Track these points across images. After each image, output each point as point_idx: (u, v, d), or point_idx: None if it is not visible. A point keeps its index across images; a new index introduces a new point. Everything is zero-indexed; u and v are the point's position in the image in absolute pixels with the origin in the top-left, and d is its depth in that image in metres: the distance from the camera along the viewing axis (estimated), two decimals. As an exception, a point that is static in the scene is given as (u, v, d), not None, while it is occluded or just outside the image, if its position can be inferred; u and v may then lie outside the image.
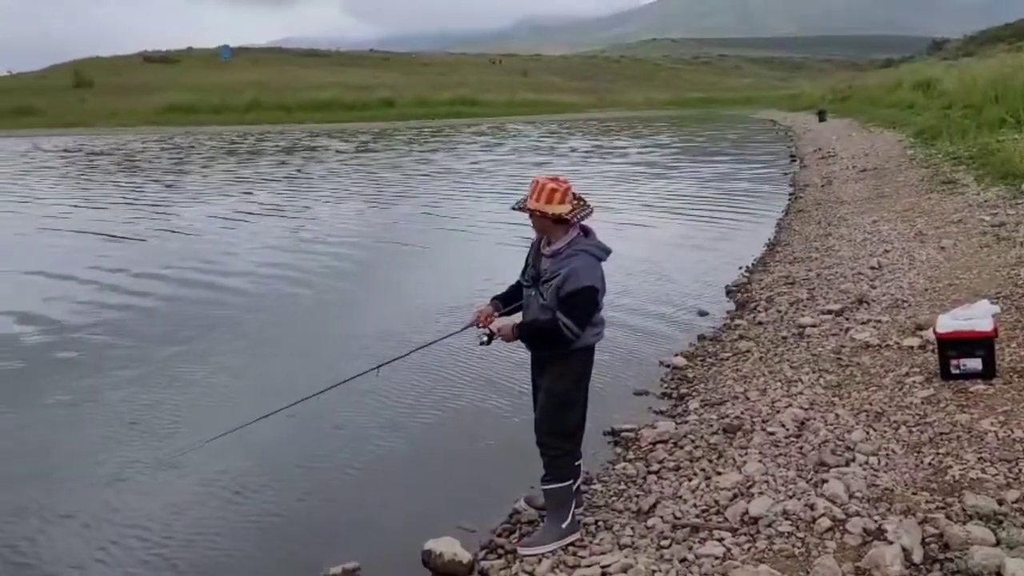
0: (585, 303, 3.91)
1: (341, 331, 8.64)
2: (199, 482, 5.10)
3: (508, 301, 4.31)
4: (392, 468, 5.33)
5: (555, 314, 3.91)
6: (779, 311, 7.93)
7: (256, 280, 11.10)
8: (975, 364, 5.04)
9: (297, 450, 5.56)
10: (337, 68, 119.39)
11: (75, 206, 19.97)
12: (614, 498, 4.52)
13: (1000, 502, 3.55)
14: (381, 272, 12.03)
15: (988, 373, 5.02)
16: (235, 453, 5.26)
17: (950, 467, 3.99)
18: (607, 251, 4.05)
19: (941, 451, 4.20)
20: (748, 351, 6.88)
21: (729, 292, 9.37)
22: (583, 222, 4.01)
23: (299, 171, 28.95)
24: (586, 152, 34.65)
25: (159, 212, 18.54)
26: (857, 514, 3.67)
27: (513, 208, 4.09)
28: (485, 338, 4.20)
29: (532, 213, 3.95)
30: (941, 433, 4.41)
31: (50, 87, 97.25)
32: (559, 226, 3.95)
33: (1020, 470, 3.85)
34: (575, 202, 3.93)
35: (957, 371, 5.09)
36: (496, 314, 4.27)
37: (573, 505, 4.17)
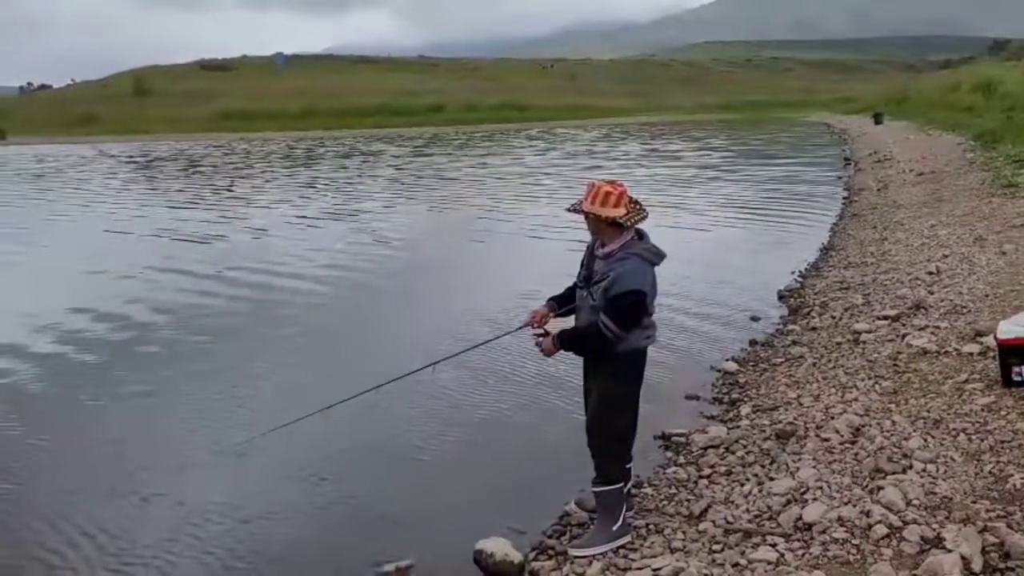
0: (630, 306, 3.91)
1: (399, 329, 8.90)
2: (262, 472, 5.31)
3: (564, 302, 4.32)
4: (445, 467, 5.40)
5: (598, 317, 3.92)
6: (833, 316, 7.82)
7: (322, 280, 11.54)
8: (1038, 371, 4.92)
9: (355, 445, 5.69)
10: (387, 74, 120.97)
11: (154, 208, 21.10)
12: (665, 502, 4.51)
13: (1064, 512, 3.48)
14: (441, 272, 12.35)
15: (1052, 381, 4.89)
16: (298, 445, 5.41)
17: (1011, 476, 3.90)
18: (660, 255, 4.04)
19: (1002, 459, 4.11)
20: (801, 356, 6.80)
21: (782, 297, 9.26)
22: (638, 226, 4.02)
23: (360, 175, 29.73)
24: (640, 155, 34.72)
25: (235, 215, 19.26)
26: (914, 522, 3.61)
27: (568, 210, 4.12)
28: (540, 339, 4.24)
29: (587, 215, 3.97)
30: (1002, 441, 4.32)
31: (111, 95, 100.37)
32: (613, 229, 3.97)
33: (1085, 480, 3.75)
34: (630, 206, 3.93)
35: (1019, 378, 4.96)
36: (551, 315, 4.30)
37: (624, 508, 4.17)
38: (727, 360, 7.10)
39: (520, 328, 4.46)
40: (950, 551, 3.25)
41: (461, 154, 39.68)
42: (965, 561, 3.19)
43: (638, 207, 3.97)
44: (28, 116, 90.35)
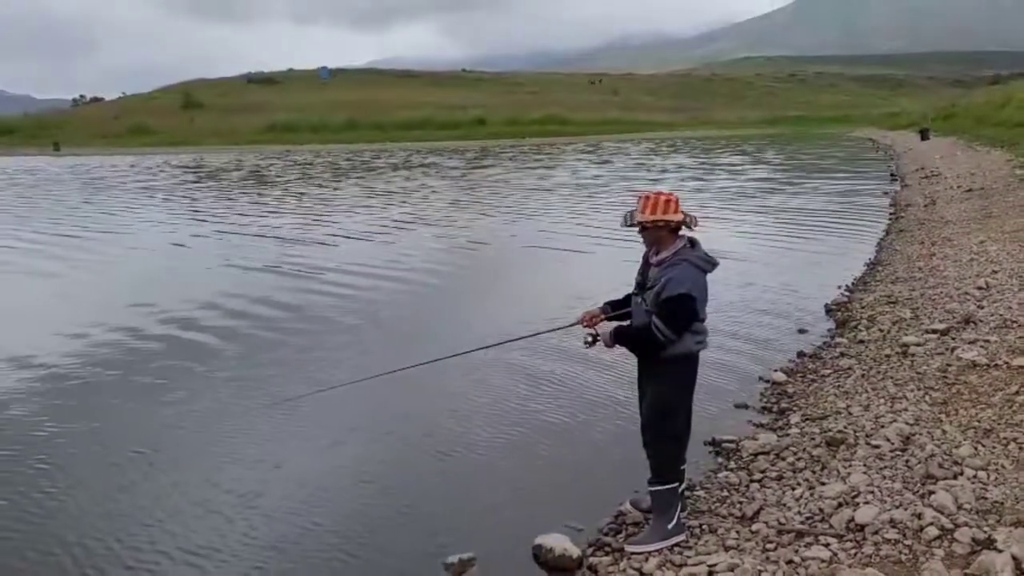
0: (680, 309, 4.07)
1: (463, 318, 9.54)
2: (328, 463, 5.56)
3: (617, 307, 4.51)
4: (502, 463, 5.61)
5: (651, 318, 4.10)
6: (881, 330, 7.88)
7: (404, 279, 12.45)
8: (1089, 384, 4.98)
9: (413, 439, 5.93)
10: (430, 88, 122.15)
11: (240, 214, 22.17)
12: (717, 504, 4.65)
13: (1114, 517, 3.56)
14: (508, 275, 13.15)
15: (1103, 394, 4.95)
16: (359, 446, 5.63)
17: (1062, 483, 4.00)
18: (713, 263, 4.22)
19: (1052, 468, 4.20)
20: (850, 368, 6.89)
21: (829, 311, 9.32)
22: (689, 234, 4.20)
23: (423, 185, 30.68)
24: (691, 169, 35.10)
25: (319, 221, 20.21)
26: (966, 524, 3.73)
27: (625, 225, 4.28)
28: (590, 339, 4.43)
29: (651, 224, 4.13)
30: (1053, 451, 4.40)
31: (160, 108, 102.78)
32: (671, 236, 4.15)
33: None
34: (683, 213, 4.13)
35: (1070, 391, 5.03)
36: (602, 316, 4.49)
37: (678, 508, 4.33)
38: (775, 371, 7.20)
39: (571, 325, 4.65)
40: (1001, 551, 3.36)
41: (515, 167, 40.38)
42: (1016, 561, 3.30)
43: (689, 215, 4.15)
44: (80, 128, 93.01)
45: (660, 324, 4.06)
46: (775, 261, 13.04)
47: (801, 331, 8.57)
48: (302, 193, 28.56)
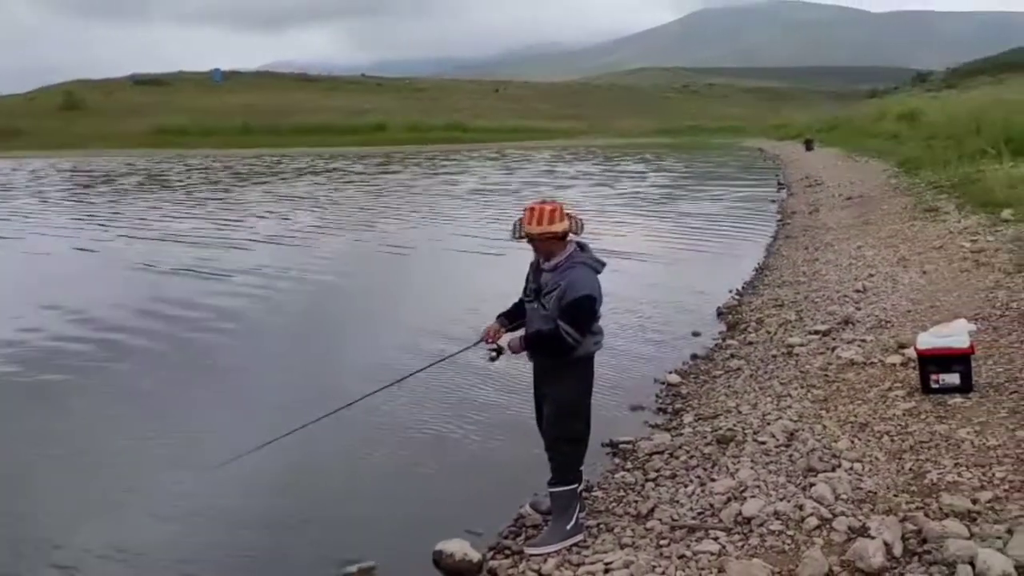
0: (585, 311, 4.20)
1: (355, 351, 9.00)
2: (227, 490, 5.39)
3: (513, 318, 4.59)
4: (405, 477, 5.59)
5: (556, 323, 4.18)
6: (769, 331, 8.24)
7: (301, 292, 12.16)
8: (953, 379, 5.35)
9: (318, 462, 5.80)
10: (329, 92, 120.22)
11: (144, 220, 21.31)
12: (614, 504, 4.78)
13: (974, 501, 3.84)
14: (423, 283, 13.03)
15: (965, 387, 5.32)
16: (263, 466, 5.48)
17: (928, 472, 4.28)
18: (603, 264, 4.37)
19: (921, 458, 4.49)
20: (739, 369, 7.18)
21: (720, 314, 9.68)
22: (578, 237, 4.32)
23: (334, 189, 30.65)
24: (596, 176, 35.87)
25: (229, 226, 19.75)
26: (843, 514, 3.95)
27: (514, 238, 4.33)
28: (494, 354, 4.49)
29: (539, 237, 4.21)
30: (921, 442, 4.70)
31: (38, 109, 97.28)
32: (561, 243, 4.25)
33: (993, 474, 4.13)
34: (569, 219, 4.23)
35: (936, 385, 5.39)
36: (503, 330, 4.56)
37: (578, 508, 4.42)
38: (670, 373, 7.44)
39: (475, 344, 4.69)
40: (874, 538, 3.58)
41: (422, 172, 40.34)
42: (887, 546, 3.52)
43: (575, 219, 4.26)
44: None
45: (567, 327, 4.15)
46: (673, 265, 13.48)
47: (695, 334, 8.87)
48: (208, 198, 27.78)
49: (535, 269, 4.42)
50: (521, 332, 4.49)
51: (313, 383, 7.61)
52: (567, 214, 4.22)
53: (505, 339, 4.48)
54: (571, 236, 4.27)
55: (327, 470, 5.71)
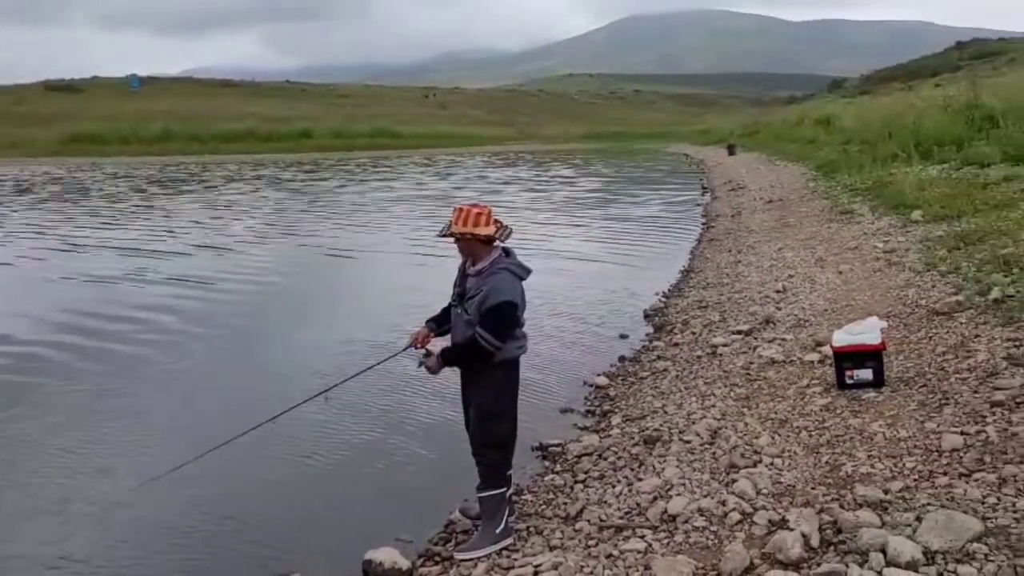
0: (504, 317, 4.22)
1: (285, 359, 8.83)
2: (154, 507, 5.25)
3: (442, 322, 4.59)
4: (334, 487, 5.54)
5: (475, 330, 4.20)
6: (694, 333, 8.42)
7: (232, 302, 11.77)
8: (866, 374, 5.55)
9: (245, 475, 5.68)
10: (252, 99, 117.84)
11: (74, 229, 20.85)
12: (544, 506, 4.82)
13: (886, 491, 3.99)
14: (360, 289, 13.03)
15: (878, 382, 5.53)
16: (188, 479, 5.36)
17: (844, 464, 4.43)
18: (527, 270, 4.39)
19: (836, 451, 4.65)
20: (665, 370, 7.31)
21: (647, 316, 9.84)
22: (504, 243, 4.35)
23: (263, 197, 30.12)
24: (528, 181, 36.04)
25: (161, 235, 19.31)
26: (763, 508, 4.06)
27: (440, 235, 4.37)
28: (424, 358, 4.47)
29: (461, 237, 4.24)
30: (837, 436, 4.87)
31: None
32: (485, 247, 4.27)
33: (904, 465, 4.30)
34: (496, 225, 4.26)
35: (851, 381, 5.59)
36: (432, 335, 4.55)
37: (507, 512, 4.44)
38: (598, 375, 7.54)
39: (404, 350, 4.68)
40: (792, 530, 3.69)
41: (354, 179, 39.92)
42: (805, 537, 3.64)
43: (503, 225, 4.30)
44: None
45: (485, 334, 4.16)
46: (601, 268, 13.64)
47: (623, 336, 9.00)
48: (136, 206, 27.25)
49: (462, 274, 4.43)
50: (448, 339, 4.50)
51: (242, 394, 7.47)
52: (495, 220, 4.25)
53: (435, 344, 4.48)
54: (497, 242, 4.30)
55: (256, 481, 5.60)
